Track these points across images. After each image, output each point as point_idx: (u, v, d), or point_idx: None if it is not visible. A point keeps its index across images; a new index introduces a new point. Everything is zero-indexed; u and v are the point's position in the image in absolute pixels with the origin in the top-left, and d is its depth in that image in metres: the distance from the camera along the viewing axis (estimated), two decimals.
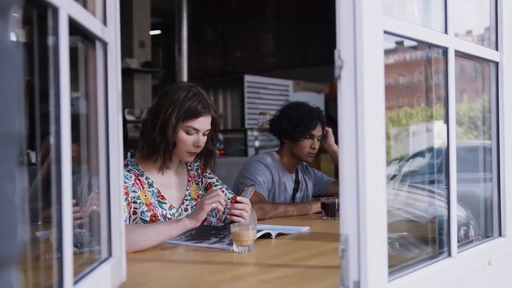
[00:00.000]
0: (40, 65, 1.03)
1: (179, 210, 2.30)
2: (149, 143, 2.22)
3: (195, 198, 2.37)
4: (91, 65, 1.35)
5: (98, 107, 1.35)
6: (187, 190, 2.36)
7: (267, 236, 2.13)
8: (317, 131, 3.02)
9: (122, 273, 1.42)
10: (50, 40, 1.01)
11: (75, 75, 1.22)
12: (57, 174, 1.00)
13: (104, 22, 1.35)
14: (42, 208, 1.24)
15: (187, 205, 2.34)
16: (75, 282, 1.08)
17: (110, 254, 1.37)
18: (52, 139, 1.01)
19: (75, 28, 1.12)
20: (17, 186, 0.56)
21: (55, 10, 1.00)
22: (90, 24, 1.21)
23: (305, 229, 2.37)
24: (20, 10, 0.61)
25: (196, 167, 2.44)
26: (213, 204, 2.01)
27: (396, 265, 1.33)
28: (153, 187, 2.24)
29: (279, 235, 2.20)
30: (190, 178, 2.40)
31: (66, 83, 1.02)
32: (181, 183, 2.36)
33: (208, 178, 2.45)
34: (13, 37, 0.58)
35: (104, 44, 1.35)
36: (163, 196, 2.26)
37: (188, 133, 2.21)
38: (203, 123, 2.23)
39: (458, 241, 1.54)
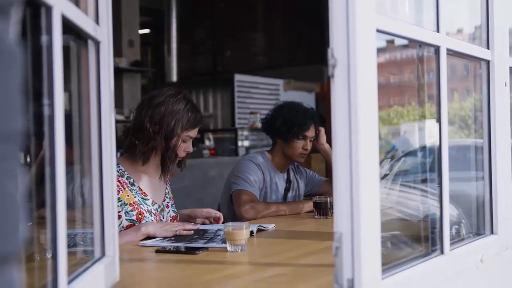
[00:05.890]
0: (32, 64, 1.03)
1: (161, 206, 2.38)
2: (151, 150, 2.26)
3: (172, 198, 2.48)
4: (83, 64, 1.34)
5: (90, 107, 1.35)
6: (166, 188, 2.46)
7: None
8: (310, 132, 3.01)
9: (115, 273, 1.42)
10: (43, 38, 1.01)
11: (67, 74, 1.21)
12: (51, 174, 0.99)
13: (97, 21, 1.35)
14: (31, 209, 1.23)
15: (167, 202, 2.44)
16: (69, 282, 1.08)
17: (103, 253, 1.37)
18: (45, 139, 1.00)
19: (67, 27, 1.11)
20: (19, 184, 0.56)
21: (49, 9, 0.99)
22: (83, 23, 1.20)
23: (271, 226, 2.38)
24: (21, 9, 0.61)
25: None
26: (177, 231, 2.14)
27: (390, 262, 1.33)
28: (135, 185, 2.30)
29: (258, 231, 2.23)
30: (167, 178, 2.49)
31: (60, 82, 1.01)
32: (161, 182, 2.42)
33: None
34: (14, 36, 0.58)
35: (97, 43, 1.35)
36: (145, 193, 2.32)
37: (184, 141, 2.30)
38: (197, 131, 2.35)
39: (450, 239, 1.55)
